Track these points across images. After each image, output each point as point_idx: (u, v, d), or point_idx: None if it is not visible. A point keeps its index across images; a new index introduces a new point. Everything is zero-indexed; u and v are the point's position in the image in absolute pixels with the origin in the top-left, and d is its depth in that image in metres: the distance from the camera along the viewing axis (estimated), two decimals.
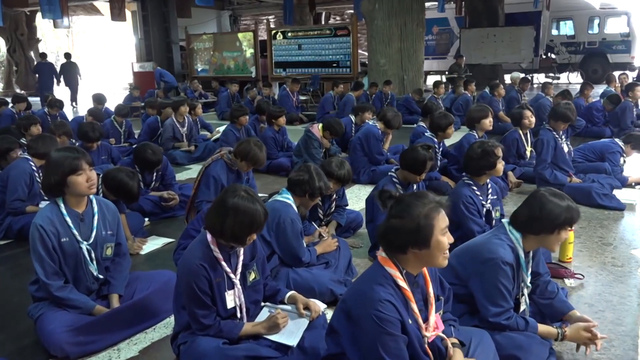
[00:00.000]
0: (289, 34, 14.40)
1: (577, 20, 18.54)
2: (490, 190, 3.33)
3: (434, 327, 1.96)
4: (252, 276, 2.46)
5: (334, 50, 13.71)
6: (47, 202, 4.41)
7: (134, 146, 7.65)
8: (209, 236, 2.31)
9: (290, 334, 2.38)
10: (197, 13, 18.75)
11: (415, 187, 3.57)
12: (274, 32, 14.68)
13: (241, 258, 2.40)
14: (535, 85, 16.99)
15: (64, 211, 2.65)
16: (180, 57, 16.97)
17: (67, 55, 16.55)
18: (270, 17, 24.46)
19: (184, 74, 17.17)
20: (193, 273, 2.24)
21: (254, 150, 3.89)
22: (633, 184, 5.19)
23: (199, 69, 16.45)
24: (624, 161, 5.25)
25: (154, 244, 4.08)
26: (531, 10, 17.86)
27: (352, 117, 6.97)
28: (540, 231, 2.26)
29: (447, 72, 16.23)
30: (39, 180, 4.46)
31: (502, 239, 2.32)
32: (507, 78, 13.72)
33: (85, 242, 2.68)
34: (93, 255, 2.73)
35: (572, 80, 19.27)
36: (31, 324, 2.72)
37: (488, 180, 3.34)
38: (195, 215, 4.28)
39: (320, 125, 6.06)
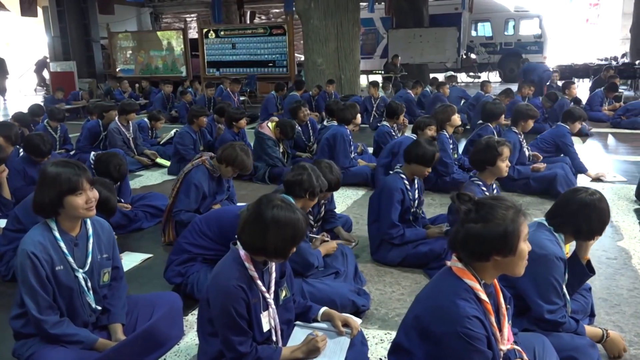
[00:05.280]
0: (222, 33, 13.96)
1: (494, 22, 19.62)
2: (495, 191, 3.32)
3: (507, 339, 1.87)
4: (283, 294, 2.26)
5: (269, 49, 13.47)
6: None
7: (71, 153, 7.06)
8: (242, 252, 2.08)
9: (333, 355, 2.21)
10: (117, 10, 17.73)
11: (416, 181, 3.55)
12: (205, 30, 14.16)
13: (274, 275, 2.19)
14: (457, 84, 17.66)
15: (57, 235, 2.28)
16: (101, 57, 15.94)
17: None
18: (193, 15, 23.67)
19: (106, 74, 16.16)
20: (231, 296, 2.00)
21: (241, 156, 3.65)
22: (590, 179, 5.44)
23: (123, 69, 15.53)
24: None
25: (131, 260, 3.68)
26: (452, 12, 18.67)
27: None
28: (596, 236, 2.30)
29: (383, 72, 16.49)
30: None
31: (548, 235, 2.30)
32: (440, 77, 14.20)
33: (81, 270, 2.33)
34: (89, 284, 2.38)
35: (492, 79, 20.29)
36: None
37: (494, 180, 3.33)
38: (172, 225, 3.96)
39: (273, 124, 5.87)
